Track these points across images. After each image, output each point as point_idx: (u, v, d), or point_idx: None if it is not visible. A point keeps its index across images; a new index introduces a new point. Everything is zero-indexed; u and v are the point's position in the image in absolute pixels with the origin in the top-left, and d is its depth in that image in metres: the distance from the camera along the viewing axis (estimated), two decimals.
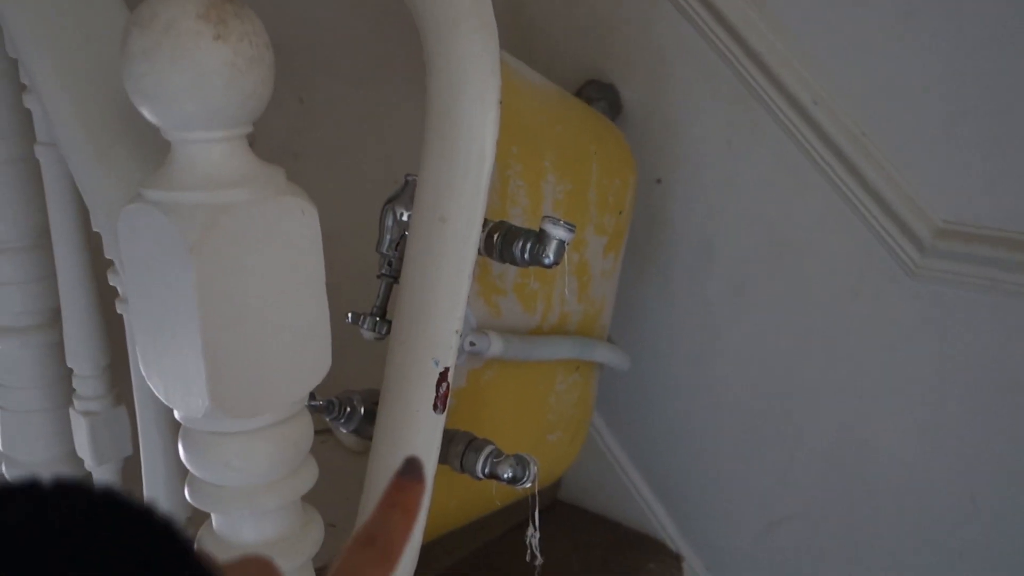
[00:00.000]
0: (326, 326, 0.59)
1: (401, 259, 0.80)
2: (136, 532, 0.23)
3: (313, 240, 0.57)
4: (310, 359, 0.59)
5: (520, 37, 1.28)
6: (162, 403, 0.58)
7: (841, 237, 1.04)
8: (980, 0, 0.89)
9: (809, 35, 1.01)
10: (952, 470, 1.03)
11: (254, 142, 0.57)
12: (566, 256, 0.76)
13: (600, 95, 1.18)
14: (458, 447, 0.80)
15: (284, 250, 0.55)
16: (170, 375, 0.55)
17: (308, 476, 0.64)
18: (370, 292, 0.86)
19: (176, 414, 0.59)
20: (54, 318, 0.89)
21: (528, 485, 0.79)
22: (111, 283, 0.77)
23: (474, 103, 0.69)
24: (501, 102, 0.70)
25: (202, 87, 0.49)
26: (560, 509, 1.39)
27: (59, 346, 0.87)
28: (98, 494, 0.23)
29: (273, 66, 0.53)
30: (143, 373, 0.57)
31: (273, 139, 1.37)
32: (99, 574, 0.22)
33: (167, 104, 0.50)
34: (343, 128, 1.41)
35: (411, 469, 0.37)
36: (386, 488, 0.36)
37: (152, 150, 0.66)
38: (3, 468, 0.96)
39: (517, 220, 0.86)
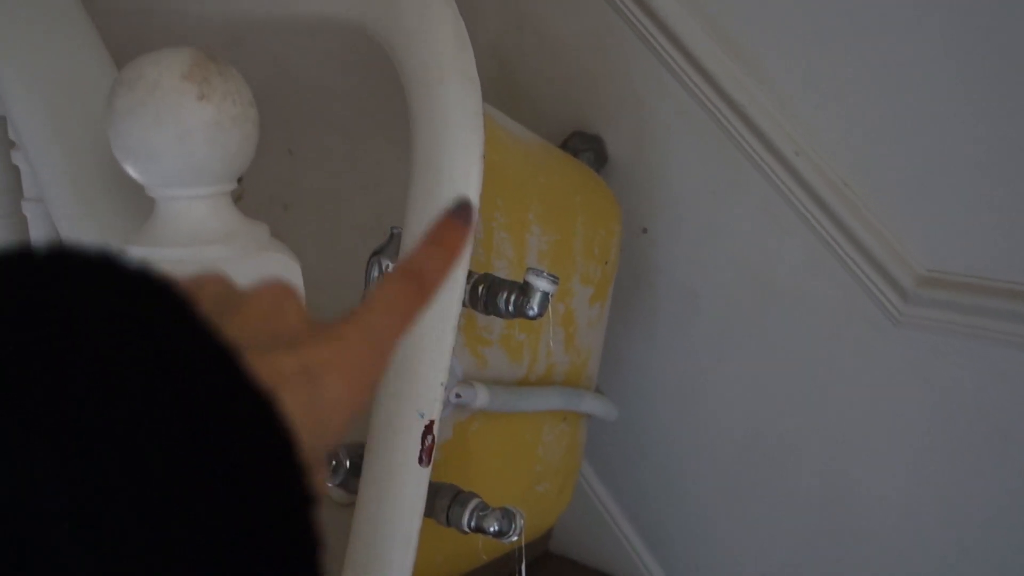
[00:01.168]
0: None
1: None
2: (135, 294, 0.23)
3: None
4: None
5: (505, 89, 1.30)
6: None
7: (825, 284, 1.05)
8: (959, 52, 0.91)
9: (789, 86, 1.03)
10: (940, 517, 1.03)
11: (244, 193, 0.58)
12: (551, 307, 0.77)
13: (586, 146, 1.20)
14: (443, 501, 0.79)
15: None
16: None
17: None
18: None
19: None
20: None
21: (515, 538, 0.78)
22: None
23: (457, 157, 0.70)
24: (484, 156, 0.71)
25: (186, 146, 0.50)
26: (550, 561, 1.38)
27: None
28: (93, 256, 0.23)
29: (257, 123, 0.54)
30: None
31: (263, 190, 1.38)
32: (97, 340, 0.21)
33: (151, 162, 0.50)
34: (332, 179, 1.42)
35: (462, 211, 0.36)
36: (433, 225, 0.35)
37: (137, 207, 0.66)
38: None
39: (502, 272, 0.86)
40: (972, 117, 0.93)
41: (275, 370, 0.26)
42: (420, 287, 0.32)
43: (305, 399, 0.26)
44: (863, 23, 0.96)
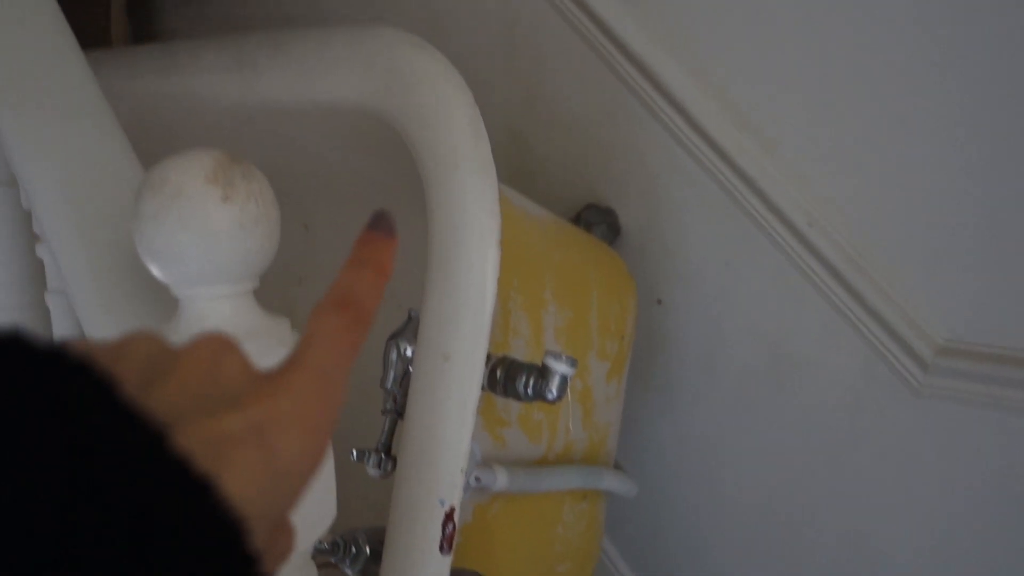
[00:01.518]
0: (331, 476, 0.59)
1: (405, 395, 0.80)
2: (48, 372, 0.21)
3: None
4: (315, 510, 0.58)
5: (518, 162, 1.31)
6: None
7: (842, 354, 1.05)
8: (974, 121, 0.92)
9: (800, 158, 1.04)
10: None
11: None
12: (569, 387, 0.77)
13: (599, 219, 1.20)
14: None
15: None
16: None
17: None
18: (371, 422, 0.86)
19: None
20: None
21: None
22: None
23: (475, 243, 0.70)
24: (501, 241, 0.72)
25: (210, 247, 0.50)
26: None
27: None
28: (2, 336, 0.21)
29: (279, 222, 0.55)
30: None
31: (277, 264, 1.38)
32: (3, 428, 0.19)
33: (175, 263, 0.51)
34: (346, 254, 1.43)
35: (380, 223, 0.34)
36: (353, 246, 0.33)
37: (161, 304, 0.67)
38: None
39: (519, 350, 0.86)
40: (987, 186, 0.93)
41: (220, 433, 0.24)
42: (357, 315, 0.31)
43: (258, 459, 0.24)
44: (874, 93, 0.97)
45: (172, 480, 0.21)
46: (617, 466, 1.17)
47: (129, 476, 0.20)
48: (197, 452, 0.22)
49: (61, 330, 0.78)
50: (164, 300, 0.63)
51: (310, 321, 0.30)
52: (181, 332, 0.53)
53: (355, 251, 0.33)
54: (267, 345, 0.53)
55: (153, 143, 1.00)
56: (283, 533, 0.29)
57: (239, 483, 0.23)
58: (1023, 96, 0.89)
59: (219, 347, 0.29)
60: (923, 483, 1.02)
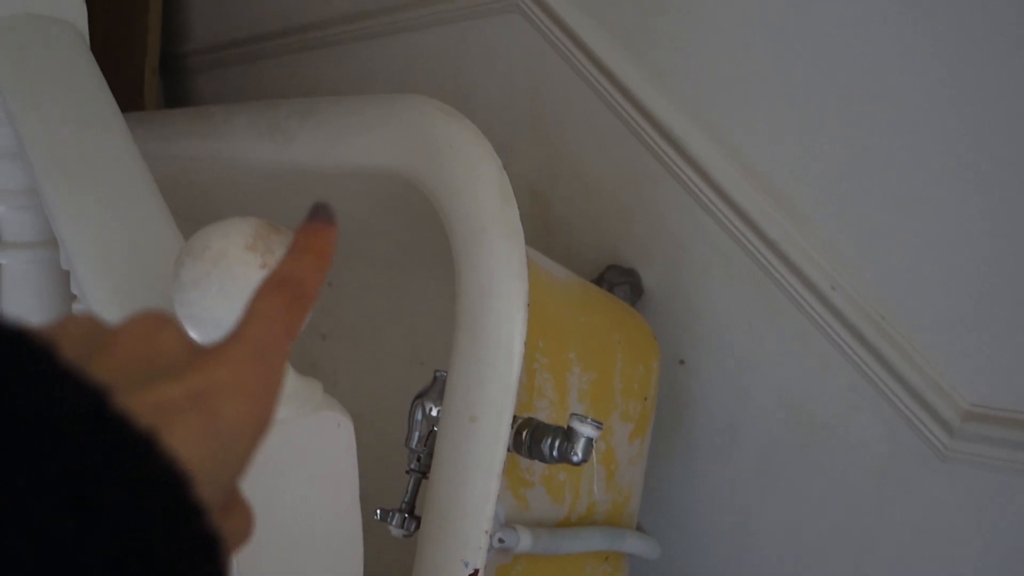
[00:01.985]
0: (359, 539, 0.59)
1: (430, 455, 0.81)
2: None
3: (348, 451, 0.58)
4: (342, 569, 0.59)
5: (541, 222, 1.33)
6: None
7: (868, 418, 1.04)
8: (996, 186, 0.93)
9: (822, 222, 1.05)
10: None
11: None
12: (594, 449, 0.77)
13: (622, 279, 1.22)
14: None
15: (319, 463, 0.56)
16: None
17: None
18: (395, 476, 0.86)
19: None
20: None
21: None
22: None
23: (502, 307, 0.71)
24: (528, 304, 0.73)
25: None
26: None
27: None
28: None
29: None
30: None
31: None
32: None
33: (215, 328, 0.52)
34: (370, 311, 1.45)
35: (320, 213, 0.35)
36: (295, 235, 0.34)
37: None
38: None
39: (544, 412, 0.87)
40: (1014, 250, 0.93)
41: (159, 401, 0.24)
42: (296, 295, 0.31)
43: (199, 423, 0.24)
44: (895, 157, 0.98)
45: (112, 436, 0.21)
46: (640, 528, 1.17)
47: (68, 433, 0.20)
48: (139, 418, 0.23)
49: None
50: None
51: (252, 299, 0.31)
52: None
53: (296, 240, 0.34)
54: (301, 407, 0.54)
55: (187, 204, 1.03)
56: (238, 509, 0.29)
57: (184, 447, 0.23)
58: None
59: (156, 322, 0.29)
60: (952, 550, 1.00)
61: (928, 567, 1.02)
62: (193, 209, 1.09)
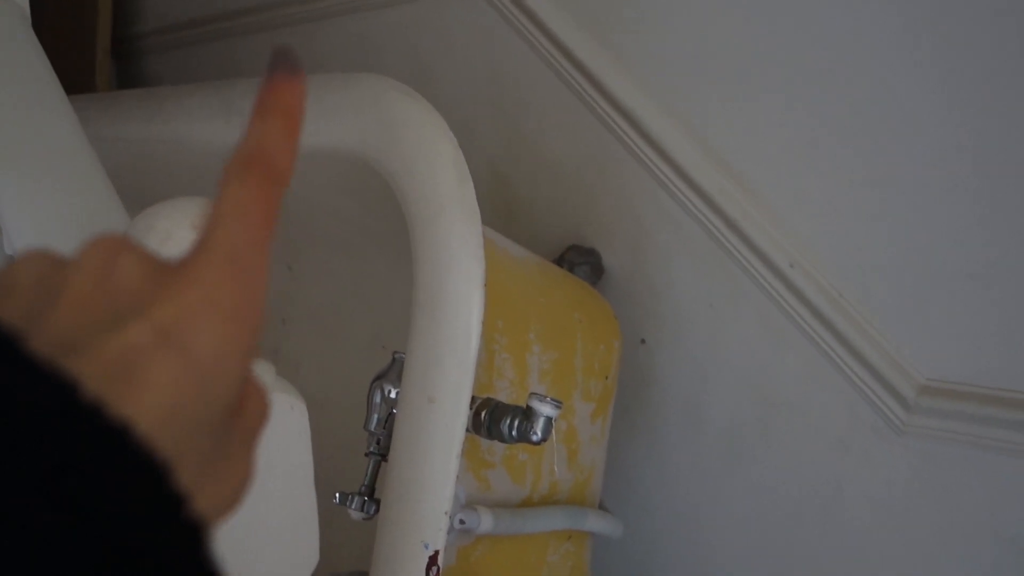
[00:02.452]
0: (314, 522, 0.58)
1: (389, 437, 0.80)
2: None
3: (302, 435, 0.57)
4: (297, 556, 0.58)
5: (501, 203, 1.32)
6: None
7: (827, 394, 1.05)
8: (952, 161, 0.94)
9: (780, 200, 1.05)
10: None
11: None
12: (554, 429, 0.77)
13: (582, 259, 1.21)
14: None
15: (272, 446, 0.55)
16: None
17: None
18: (354, 460, 0.85)
19: None
20: None
21: None
22: None
23: (459, 287, 0.71)
24: (485, 284, 0.72)
25: None
26: None
27: None
28: None
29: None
30: None
31: None
32: None
33: None
34: (331, 295, 1.43)
35: (281, 62, 0.28)
36: (257, 96, 0.28)
37: None
38: None
39: (504, 393, 0.87)
40: (967, 225, 0.94)
41: (126, 347, 0.22)
42: (266, 173, 0.27)
43: (174, 364, 0.22)
44: (851, 133, 0.98)
45: (85, 430, 0.20)
46: (602, 507, 1.17)
47: (41, 431, 0.19)
48: (106, 373, 0.21)
49: None
50: None
51: (219, 186, 0.26)
52: None
53: (258, 100, 0.28)
54: None
55: (142, 188, 1.01)
56: (251, 399, 0.27)
57: (159, 395, 0.22)
58: (1006, 132, 0.91)
59: (110, 250, 0.25)
60: (914, 524, 1.02)
61: (888, 540, 1.04)
62: (148, 193, 1.07)
